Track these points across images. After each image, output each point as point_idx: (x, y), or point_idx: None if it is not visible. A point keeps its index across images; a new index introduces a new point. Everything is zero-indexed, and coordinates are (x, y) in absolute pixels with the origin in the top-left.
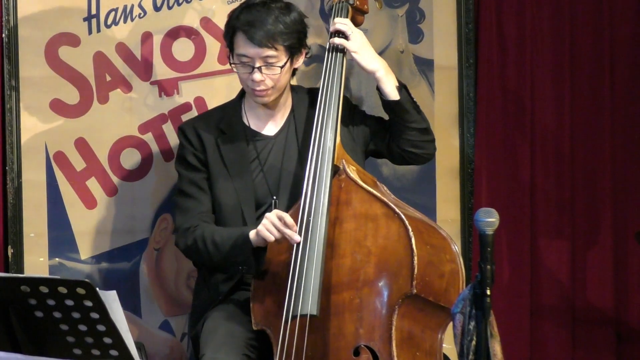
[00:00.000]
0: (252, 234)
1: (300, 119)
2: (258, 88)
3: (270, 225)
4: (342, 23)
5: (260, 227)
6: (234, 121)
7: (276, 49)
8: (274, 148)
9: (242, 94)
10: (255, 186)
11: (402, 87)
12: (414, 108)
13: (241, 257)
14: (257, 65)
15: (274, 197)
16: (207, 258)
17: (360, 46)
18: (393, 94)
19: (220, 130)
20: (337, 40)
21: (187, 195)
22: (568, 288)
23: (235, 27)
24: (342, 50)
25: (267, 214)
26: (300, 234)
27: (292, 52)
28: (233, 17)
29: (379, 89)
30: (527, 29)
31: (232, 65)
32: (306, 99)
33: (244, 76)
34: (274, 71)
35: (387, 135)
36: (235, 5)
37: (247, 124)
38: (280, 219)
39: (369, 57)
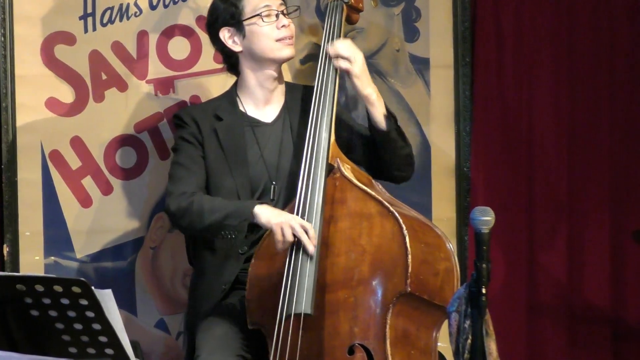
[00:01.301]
0: (257, 208)
1: (293, 112)
2: (288, 33)
3: (288, 227)
4: (345, 47)
5: (277, 219)
6: (231, 109)
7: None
8: (272, 135)
9: (234, 85)
10: (254, 171)
11: (389, 116)
12: (400, 136)
13: (236, 221)
14: (278, 10)
15: (273, 183)
16: (196, 221)
17: (362, 71)
18: (381, 122)
19: (216, 116)
20: (343, 65)
21: (183, 166)
22: (565, 286)
23: None
24: (339, 36)
25: (290, 215)
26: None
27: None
28: None
29: (368, 113)
30: (525, 26)
31: (254, 19)
32: (299, 95)
33: (269, 27)
34: (291, 18)
35: (366, 149)
36: None
37: (243, 110)
38: (303, 227)
39: (367, 82)
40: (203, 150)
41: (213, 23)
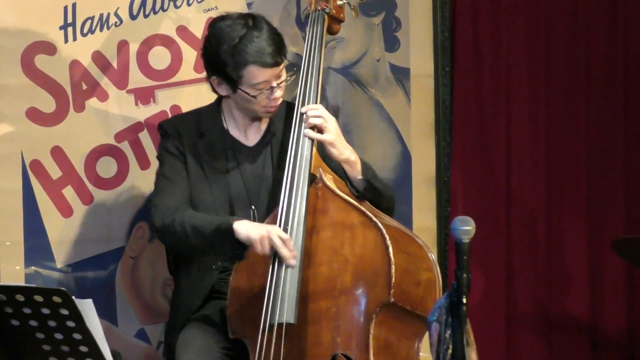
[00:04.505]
0: (237, 224)
1: (278, 130)
2: (275, 104)
3: (267, 240)
4: (315, 115)
5: (255, 233)
6: (214, 126)
7: (282, 62)
8: (254, 159)
9: (219, 100)
10: (233, 193)
11: (365, 180)
12: (377, 196)
13: (221, 246)
14: (275, 84)
15: (253, 207)
16: (184, 240)
17: (335, 137)
18: (357, 182)
19: (199, 132)
20: (314, 135)
21: (168, 179)
22: (544, 296)
23: (246, 62)
24: (320, 51)
25: (269, 227)
26: None
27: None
28: (235, 51)
29: (345, 172)
30: (503, 37)
31: (248, 95)
32: (283, 111)
33: (261, 99)
34: (283, 83)
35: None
36: (212, 14)
37: (226, 127)
38: (281, 239)
39: (342, 146)
40: (185, 162)
41: (208, 61)
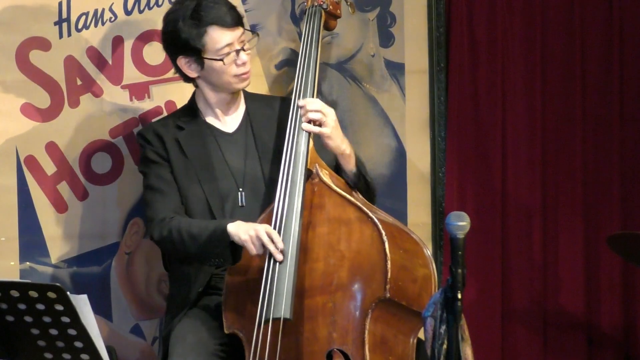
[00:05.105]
0: (230, 227)
1: (256, 119)
2: (246, 70)
3: (257, 239)
4: (314, 109)
5: (245, 235)
6: (192, 118)
7: (242, 27)
8: (236, 145)
9: (193, 95)
10: (220, 177)
11: (359, 173)
12: (365, 187)
13: (218, 249)
14: (238, 47)
15: (240, 189)
16: (182, 249)
17: (333, 130)
18: (350, 173)
19: (178, 127)
20: (312, 128)
21: (155, 189)
22: (539, 292)
23: (206, 25)
24: (317, 47)
25: (256, 226)
26: None
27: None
28: (193, 20)
29: (339, 163)
30: (498, 33)
31: (214, 61)
32: (262, 103)
33: (229, 65)
34: (248, 48)
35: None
36: None
37: (204, 119)
38: (269, 235)
39: (339, 140)
40: (170, 165)
41: (170, 44)
